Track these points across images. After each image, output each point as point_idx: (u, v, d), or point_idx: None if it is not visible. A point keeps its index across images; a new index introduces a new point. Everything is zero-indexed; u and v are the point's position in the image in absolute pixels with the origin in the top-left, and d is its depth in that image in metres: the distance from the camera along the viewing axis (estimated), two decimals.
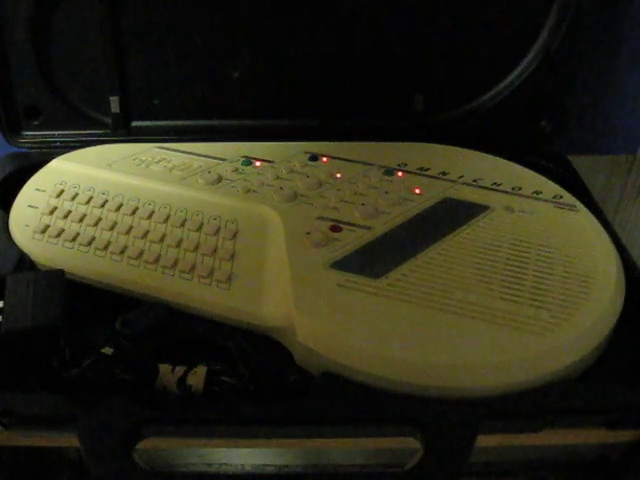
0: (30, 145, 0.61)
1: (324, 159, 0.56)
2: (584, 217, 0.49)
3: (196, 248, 0.47)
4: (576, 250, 0.46)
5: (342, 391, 0.39)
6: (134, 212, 0.50)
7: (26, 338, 0.42)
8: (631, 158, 0.71)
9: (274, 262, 0.46)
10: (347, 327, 0.40)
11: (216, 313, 0.44)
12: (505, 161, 0.55)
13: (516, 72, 0.59)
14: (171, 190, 0.52)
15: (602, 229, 0.48)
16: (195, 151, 0.57)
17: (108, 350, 0.41)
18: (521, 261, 0.44)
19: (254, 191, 0.51)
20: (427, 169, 0.54)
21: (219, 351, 0.42)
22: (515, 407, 0.38)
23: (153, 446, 0.39)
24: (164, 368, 0.40)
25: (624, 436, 0.41)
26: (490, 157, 0.56)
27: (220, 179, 0.53)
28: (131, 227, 0.49)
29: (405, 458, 0.37)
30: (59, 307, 0.43)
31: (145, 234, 0.48)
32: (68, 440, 0.39)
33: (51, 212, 0.50)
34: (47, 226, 0.49)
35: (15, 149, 0.61)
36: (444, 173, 0.53)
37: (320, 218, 0.48)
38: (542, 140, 0.61)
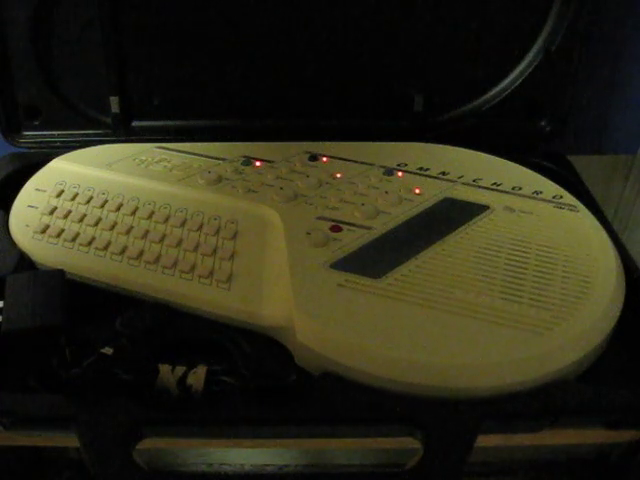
0: (30, 145, 0.61)
1: (324, 159, 0.56)
2: (584, 217, 0.49)
3: (196, 248, 0.47)
4: (576, 250, 0.45)
5: (342, 391, 0.39)
6: (134, 212, 0.50)
7: (26, 338, 0.42)
8: (631, 158, 0.71)
9: (274, 262, 0.46)
10: (347, 327, 0.40)
11: (216, 313, 0.44)
12: (505, 161, 0.55)
13: (516, 72, 0.59)
14: (171, 190, 0.52)
15: (602, 229, 0.48)
16: (195, 151, 0.57)
17: (108, 350, 0.41)
18: (521, 261, 0.44)
19: (254, 191, 0.51)
20: (427, 169, 0.54)
21: (219, 351, 0.42)
22: (515, 407, 0.37)
23: (153, 446, 0.39)
24: (164, 368, 0.40)
25: (624, 436, 0.41)
26: (490, 157, 0.56)
27: (220, 179, 0.53)
28: (131, 227, 0.49)
29: (405, 458, 0.37)
30: (59, 307, 0.43)
31: (145, 234, 0.48)
32: (68, 440, 0.39)
33: (51, 212, 0.50)
34: (47, 226, 0.49)
35: (15, 149, 0.61)
36: (444, 173, 0.53)
37: (320, 218, 0.48)
38: (542, 140, 0.61)
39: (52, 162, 0.56)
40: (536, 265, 0.44)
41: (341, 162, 0.55)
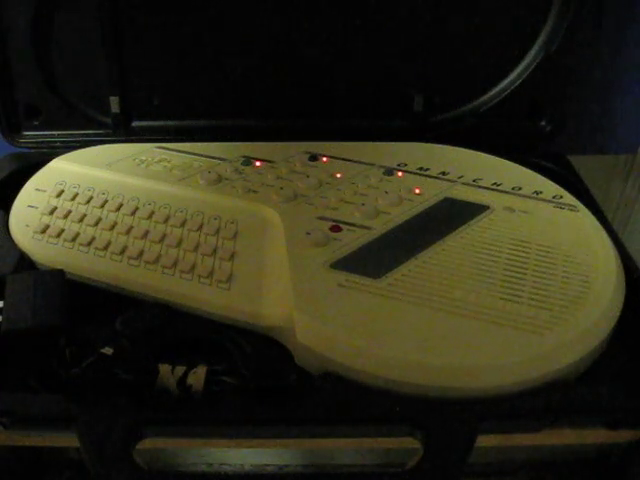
0: (30, 145, 0.61)
1: (324, 159, 0.56)
2: (584, 217, 0.49)
3: (196, 248, 0.47)
4: (576, 250, 0.45)
5: (342, 391, 0.39)
6: (134, 212, 0.50)
7: (26, 338, 0.42)
8: (631, 158, 0.71)
9: (274, 262, 0.46)
10: (347, 327, 0.40)
11: (216, 313, 0.44)
12: (505, 161, 0.55)
13: (516, 72, 0.59)
14: (171, 190, 0.52)
15: (602, 229, 0.48)
16: (195, 151, 0.57)
17: (108, 350, 0.41)
18: (521, 261, 0.44)
19: (254, 191, 0.51)
20: (427, 169, 0.54)
21: (219, 351, 0.42)
22: (515, 407, 0.37)
23: (153, 446, 0.39)
24: (164, 368, 0.40)
25: (624, 436, 0.41)
26: (490, 157, 0.56)
27: (220, 179, 0.53)
28: (131, 227, 0.49)
29: (405, 458, 0.37)
30: (59, 307, 0.43)
31: (145, 234, 0.48)
32: (68, 440, 0.39)
33: (51, 212, 0.50)
34: (47, 226, 0.49)
35: (15, 149, 0.61)
36: (444, 173, 0.53)
37: (320, 218, 0.48)
38: (542, 140, 0.61)
39: (52, 162, 0.56)
40: (536, 265, 0.44)
41: (341, 162, 0.55)
